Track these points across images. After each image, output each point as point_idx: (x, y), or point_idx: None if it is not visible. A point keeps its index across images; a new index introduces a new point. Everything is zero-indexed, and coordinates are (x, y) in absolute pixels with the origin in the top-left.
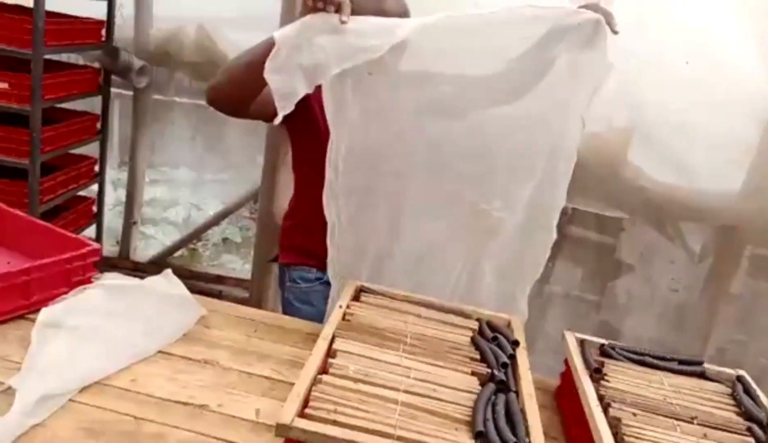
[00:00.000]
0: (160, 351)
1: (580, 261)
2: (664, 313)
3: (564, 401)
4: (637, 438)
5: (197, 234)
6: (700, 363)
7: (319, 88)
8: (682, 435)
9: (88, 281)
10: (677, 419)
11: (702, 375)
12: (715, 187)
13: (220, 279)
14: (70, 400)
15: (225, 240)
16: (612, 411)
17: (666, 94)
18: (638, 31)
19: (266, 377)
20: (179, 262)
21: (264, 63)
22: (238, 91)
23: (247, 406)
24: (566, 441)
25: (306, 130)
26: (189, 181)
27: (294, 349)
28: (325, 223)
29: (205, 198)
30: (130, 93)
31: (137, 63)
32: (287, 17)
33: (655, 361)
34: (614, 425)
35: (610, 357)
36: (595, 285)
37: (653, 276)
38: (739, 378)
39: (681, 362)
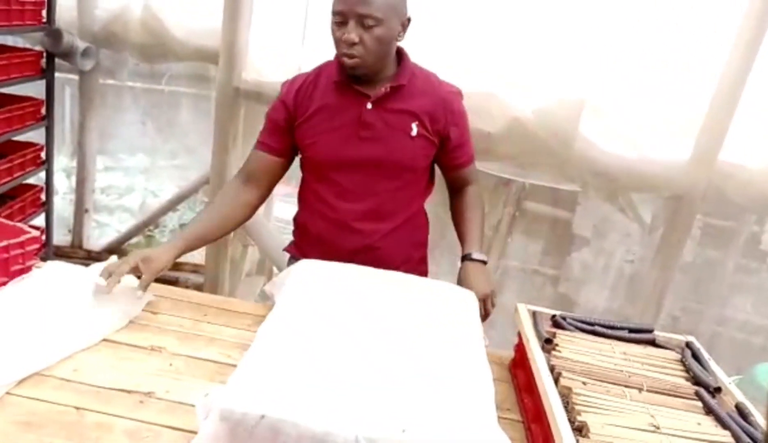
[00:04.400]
0: (104, 340)
1: (537, 235)
2: (620, 284)
3: (518, 372)
4: (586, 406)
5: (152, 221)
6: (650, 331)
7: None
8: (631, 402)
9: (28, 270)
10: (626, 386)
11: (652, 343)
12: (664, 158)
13: (175, 265)
14: (6, 393)
15: (182, 225)
16: (563, 381)
17: (614, 65)
18: (586, 2)
19: (214, 361)
20: (135, 249)
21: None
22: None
23: (195, 391)
24: (520, 412)
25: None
26: (145, 167)
27: (243, 332)
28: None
29: (162, 184)
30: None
31: (81, 45)
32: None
33: (606, 330)
34: (565, 394)
35: (561, 327)
36: (553, 259)
37: (609, 248)
38: (688, 345)
39: (631, 330)
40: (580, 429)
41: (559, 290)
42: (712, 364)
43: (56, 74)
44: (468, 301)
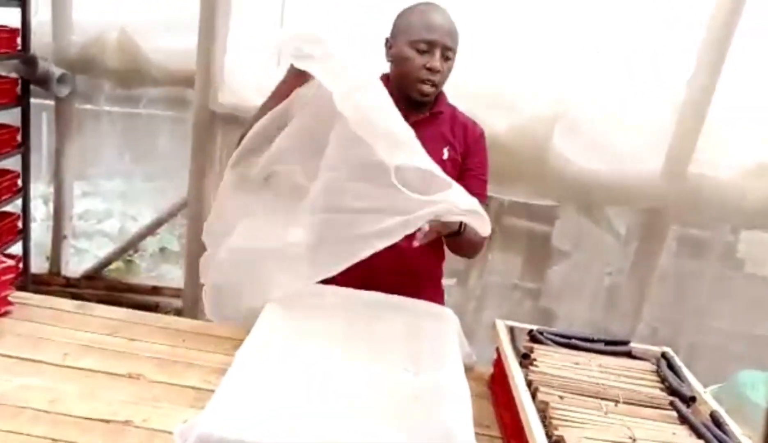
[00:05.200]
0: (81, 368)
1: (518, 250)
2: (600, 296)
3: (496, 388)
4: (564, 420)
5: (131, 246)
6: (626, 343)
7: None
8: (607, 415)
9: (5, 300)
10: (603, 399)
11: (628, 354)
12: (636, 171)
13: (156, 290)
14: None
15: (162, 249)
16: (540, 396)
17: (585, 81)
18: (558, 20)
19: (193, 387)
20: (114, 275)
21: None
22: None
23: (173, 419)
24: (499, 428)
25: None
26: (124, 191)
27: (222, 356)
28: None
29: (141, 208)
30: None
31: (57, 71)
32: (206, 23)
33: (582, 343)
34: (542, 409)
35: (539, 342)
36: (534, 274)
37: (588, 261)
38: (664, 355)
39: (607, 343)
40: None
41: (540, 304)
42: (688, 374)
43: (33, 100)
44: (446, 319)
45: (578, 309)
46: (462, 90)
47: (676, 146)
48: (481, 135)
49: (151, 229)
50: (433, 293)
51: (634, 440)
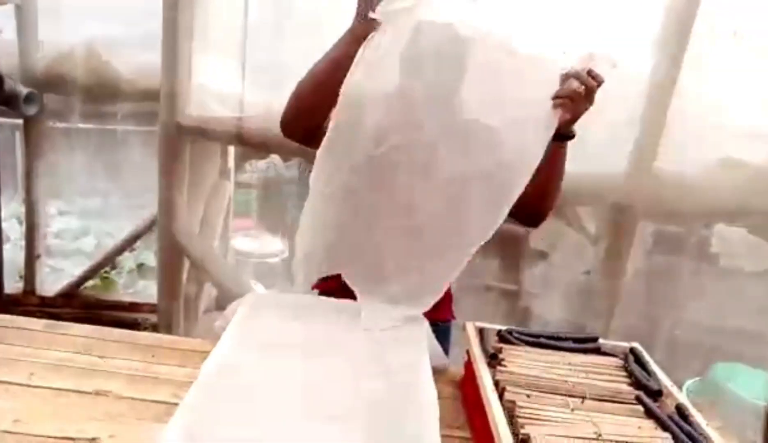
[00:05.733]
0: (47, 387)
1: (496, 253)
2: (577, 295)
3: (466, 389)
4: (530, 418)
5: (107, 262)
6: (594, 340)
7: None
8: (574, 411)
9: None
10: (570, 396)
11: (597, 351)
12: (603, 168)
13: (133, 306)
14: None
15: (140, 265)
16: (507, 395)
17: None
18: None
19: (163, 402)
20: (91, 293)
21: (330, 81)
22: (309, 115)
23: (141, 434)
24: (469, 429)
25: None
26: (100, 209)
27: (194, 371)
28: None
29: (118, 225)
30: None
31: (24, 90)
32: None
33: (551, 342)
34: (509, 408)
35: (508, 342)
36: (510, 274)
37: (565, 261)
38: (632, 350)
39: (576, 340)
40: (524, 442)
41: (518, 305)
42: (656, 368)
43: (4, 120)
44: (416, 324)
45: (555, 309)
46: None
47: (640, 143)
48: None
49: (126, 245)
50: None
51: (600, 435)
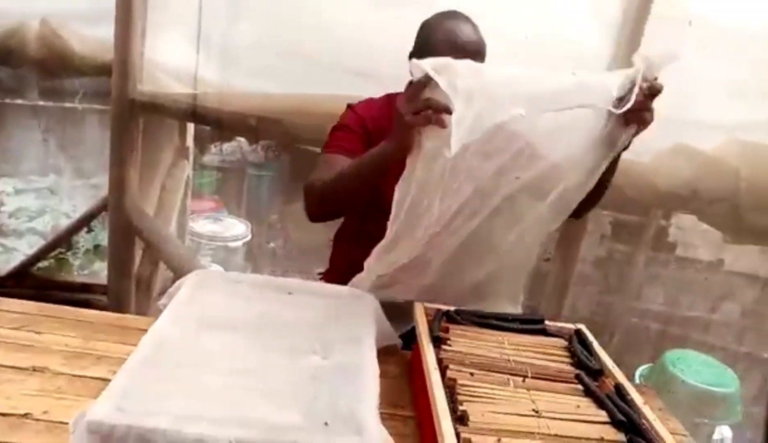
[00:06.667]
0: None
1: None
2: (539, 281)
3: (413, 368)
4: (470, 396)
5: (60, 242)
6: (540, 321)
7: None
8: (514, 389)
9: None
10: (512, 374)
11: (543, 332)
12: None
13: (85, 287)
14: None
15: (97, 246)
16: (449, 373)
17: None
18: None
19: (102, 378)
20: (44, 273)
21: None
22: (341, 211)
23: (76, 410)
24: (414, 408)
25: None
26: (57, 188)
27: (134, 348)
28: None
29: (77, 204)
30: None
31: None
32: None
33: (498, 322)
34: (450, 386)
35: (455, 322)
36: None
37: None
38: (577, 332)
39: (522, 321)
40: (461, 418)
41: None
42: (599, 349)
43: None
44: (363, 302)
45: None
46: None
47: None
48: None
49: (81, 225)
50: None
51: (538, 412)
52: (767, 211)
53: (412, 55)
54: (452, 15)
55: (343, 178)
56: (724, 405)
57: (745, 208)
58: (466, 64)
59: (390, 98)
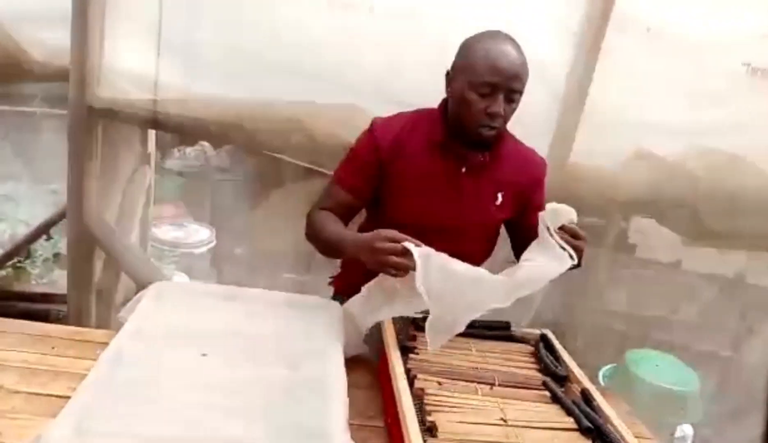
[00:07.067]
0: None
1: None
2: None
3: (382, 378)
4: (438, 405)
5: (18, 251)
6: (507, 327)
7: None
8: (482, 397)
9: None
10: (479, 382)
11: (509, 338)
12: None
13: (45, 297)
14: None
15: (57, 255)
16: (417, 383)
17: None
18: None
19: (60, 396)
20: (1, 283)
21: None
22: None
23: (31, 431)
24: (384, 419)
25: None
26: (14, 195)
27: (94, 363)
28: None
29: (36, 212)
30: None
31: None
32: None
33: (464, 329)
34: (419, 396)
35: (423, 330)
36: None
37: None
38: (543, 337)
39: (489, 327)
40: (430, 429)
41: None
42: (564, 354)
43: None
44: (330, 313)
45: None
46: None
47: (557, 137)
48: (545, 172)
49: (39, 233)
50: None
51: (506, 421)
52: (725, 215)
53: (449, 73)
54: (496, 35)
55: (320, 237)
56: (685, 404)
57: (704, 212)
58: (440, 265)
59: (418, 118)
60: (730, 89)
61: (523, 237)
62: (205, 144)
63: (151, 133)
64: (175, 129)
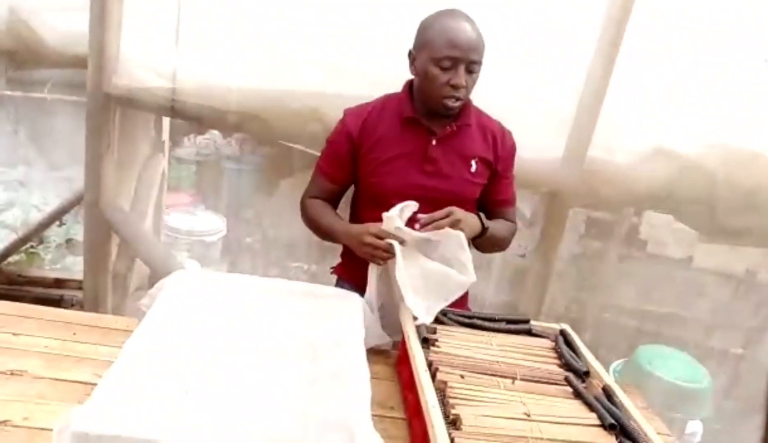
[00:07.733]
0: None
1: None
2: (514, 278)
3: (402, 369)
4: (462, 398)
5: (32, 236)
6: (526, 322)
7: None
8: (505, 392)
9: None
10: (502, 376)
11: (529, 332)
12: (539, 156)
13: (58, 282)
14: None
15: (69, 240)
16: (440, 375)
17: (488, 71)
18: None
19: (83, 382)
20: (14, 268)
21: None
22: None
23: (58, 416)
24: (403, 409)
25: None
26: (27, 180)
27: (116, 350)
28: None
29: (48, 197)
30: None
31: None
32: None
33: (484, 323)
34: (441, 388)
35: (442, 323)
36: None
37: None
38: (562, 332)
39: (508, 321)
40: (454, 422)
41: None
42: (584, 350)
43: None
44: (352, 304)
45: (491, 291)
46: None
47: (575, 132)
48: (512, 139)
49: (53, 219)
50: None
51: (529, 415)
52: (741, 212)
53: (410, 52)
54: (451, 13)
55: (314, 224)
56: (696, 400)
57: (720, 209)
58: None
59: (386, 100)
60: (749, 86)
61: (488, 210)
62: (215, 132)
63: (166, 121)
64: (193, 117)
